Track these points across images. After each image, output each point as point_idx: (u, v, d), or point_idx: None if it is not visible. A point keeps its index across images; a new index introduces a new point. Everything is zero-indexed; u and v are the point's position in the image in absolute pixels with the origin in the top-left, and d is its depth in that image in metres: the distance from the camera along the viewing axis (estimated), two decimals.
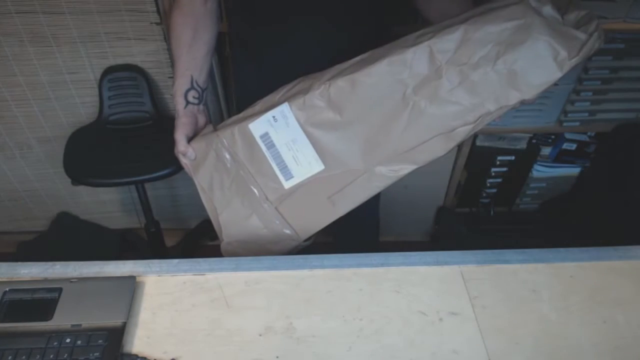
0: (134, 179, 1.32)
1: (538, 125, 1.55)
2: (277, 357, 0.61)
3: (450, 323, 0.64)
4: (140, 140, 1.41)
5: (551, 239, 1.68)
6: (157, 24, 1.32)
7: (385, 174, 0.72)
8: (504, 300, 0.67)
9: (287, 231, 0.76)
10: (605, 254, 0.74)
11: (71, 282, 0.66)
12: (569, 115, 1.51)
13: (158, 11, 1.30)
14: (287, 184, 0.74)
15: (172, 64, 0.84)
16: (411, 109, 0.68)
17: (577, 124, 1.54)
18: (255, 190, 0.75)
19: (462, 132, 0.68)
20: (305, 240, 0.78)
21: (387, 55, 0.67)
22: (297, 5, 0.82)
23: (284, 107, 0.71)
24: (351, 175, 0.72)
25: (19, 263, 0.70)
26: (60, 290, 0.65)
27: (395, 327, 0.64)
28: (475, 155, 1.61)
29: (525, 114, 1.51)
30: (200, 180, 0.79)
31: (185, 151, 0.79)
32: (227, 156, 0.76)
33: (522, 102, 0.68)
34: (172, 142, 0.81)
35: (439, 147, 0.69)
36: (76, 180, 1.33)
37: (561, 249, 0.74)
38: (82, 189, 1.67)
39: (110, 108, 1.44)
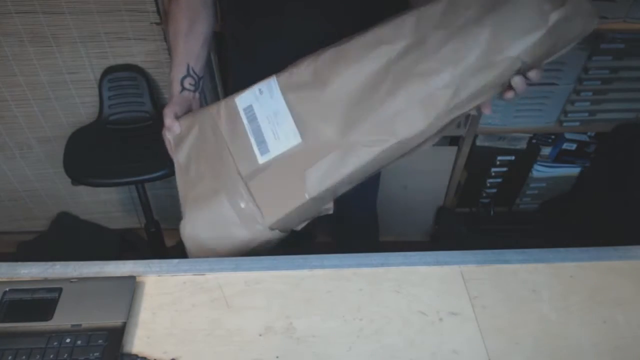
0: (134, 179, 1.32)
1: (538, 125, 1.55)
2: (277, 357, 0.61)
3: (450, 323, 0.64)
4: (140, 140, 1.41)
5: (551, 239, 1.68)
6: (157, 24, 1.32)
7: (362, 147, 0.68)
8: (504, 300, 0.67)
9: (252, 210, 0.72)
10: (605, 254, 0.74)
11: (71, 282, 0.66)
12: (569, 115, 1.51)
13: (158, 11, 1.30)
14: (262, 159, 0.72)
15: (170, 54, 0.86)
16: (393, 76, 0.67)
17: (577, 124, 1.54)
18: (229, 166, 0.73)
19: (443, 98, 0.65)
20: (272, 228, 0.74)
21: (374, 28, 0.68)
22: (292, 2, 0.82)
23: (271, 80, 0.71)
24: (327, 149, 0.69)
25: (19, 263, 0.70)
26: (60, 290, 0.65)
27: (395, 327, 0.64)
28: (475, 155, 1.61)
29: (525, 114, 1.51)
30: (179, 158, 0.78)
31: (171, 125, 0.79)
32: (210, 131, 0.75)
33: (514, 88, 0.65)
34: (160, 124, 0.81)
35: (420, 118, 0.66)
36: (76, 180, 1.33)
37: (561, 249, 0.74)
38: (82, 189, 1.67)
39: (110, 108, 1.44)
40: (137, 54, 1.39)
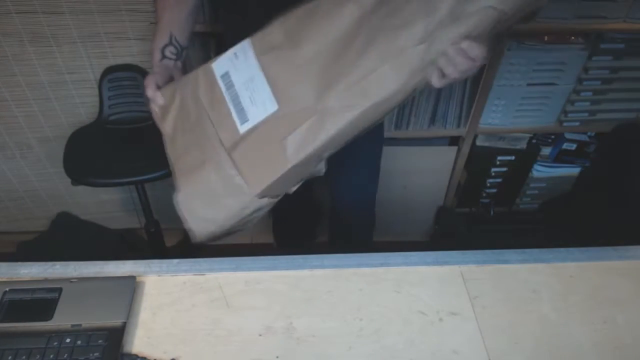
0: (134, 179, 1.32)
1: (538, 125, 1.55)
2: (277, 357, 0.61)
3: (450, 323, 0.64)
4: (140, 140, 1.41)
5: (551, 239, 1.68)
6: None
7: (338, 112, 0.67)
8: (504, 300, 0.67)
9: (238, 180, 0.71)
10: (605, 254, 0.74)
11: (71, 282, 0.66)
12: (569, 115, 1.51)
13: None
14: (242, 128, 0.71)
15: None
16: (364, 33, 0.65)
17: (577, 124, 1.54)
18: (211, 136, 0.73)
19: (417, 54, 0.63)
20: (260, 197, 0.72)
21: None
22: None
23: (245, 42, 0.70)
24: (304, 115, 0.68)
25: (19, 263, 0.70)
26: (60, 290, 0.65)
27: (395, 327, 0.64)
28: (475, 155, 1.61)
29: (525, 114, 1.51)
30: (166, 128, 0.78)
31: (154, 96, 0.79)
32: (191, 101, 0.74)
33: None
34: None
35: (392, 77, 0.65)
36: (76, 180, 1.33)
37: (561, 249, 0.74)
38: (82, 189, 1.67)
39: (110, 108, 1.44)
40: (137, 54, 1.38)
